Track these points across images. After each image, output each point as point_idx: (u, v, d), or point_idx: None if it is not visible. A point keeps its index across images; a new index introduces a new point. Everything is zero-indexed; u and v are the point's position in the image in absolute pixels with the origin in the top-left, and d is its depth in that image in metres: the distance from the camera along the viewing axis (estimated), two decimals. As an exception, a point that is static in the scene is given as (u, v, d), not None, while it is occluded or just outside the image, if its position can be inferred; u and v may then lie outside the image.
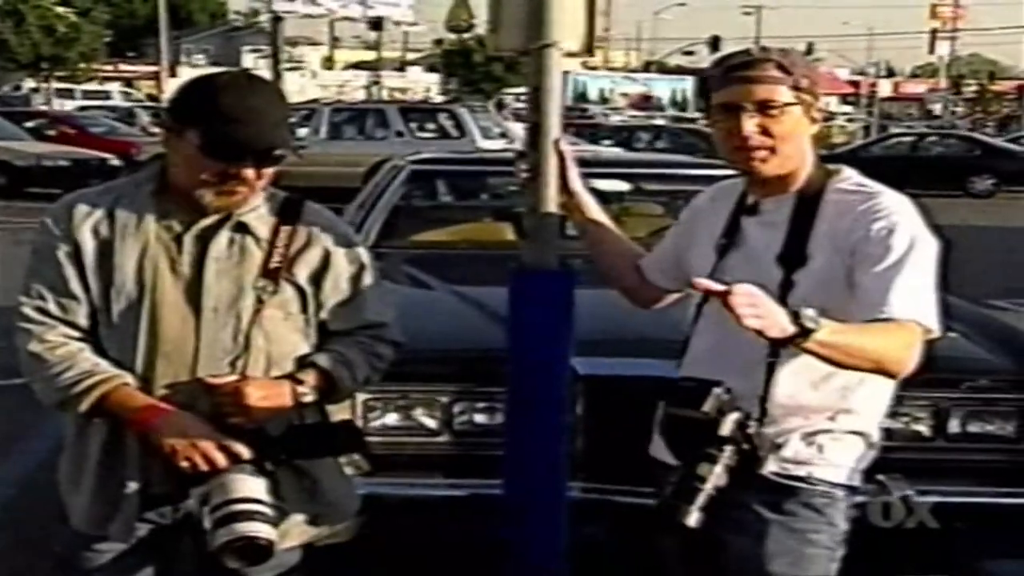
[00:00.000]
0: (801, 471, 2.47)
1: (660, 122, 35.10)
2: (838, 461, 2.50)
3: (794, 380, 2.41)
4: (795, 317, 2.13)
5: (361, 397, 3.41)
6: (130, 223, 2.43)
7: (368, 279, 2.56)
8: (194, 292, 2.42)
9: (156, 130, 24.92)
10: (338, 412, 2.59)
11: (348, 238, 2.60)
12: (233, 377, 2.40)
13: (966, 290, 4.17)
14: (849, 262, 2.38)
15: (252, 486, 2.35)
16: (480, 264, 4.85)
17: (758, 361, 2.37)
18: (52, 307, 2.41)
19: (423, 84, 62.68)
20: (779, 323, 2.12)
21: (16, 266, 2.65)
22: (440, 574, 3.55)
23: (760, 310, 2.09)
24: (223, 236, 2.44)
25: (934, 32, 50.93)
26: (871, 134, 39.67)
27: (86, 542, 2.51)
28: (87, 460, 2.47)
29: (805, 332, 2.14)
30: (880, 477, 3.26)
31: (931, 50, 52.15)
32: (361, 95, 44.43)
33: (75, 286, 2.42)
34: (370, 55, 53.16)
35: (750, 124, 2.44)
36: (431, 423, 3.69)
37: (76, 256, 2.42)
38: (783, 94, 2.44)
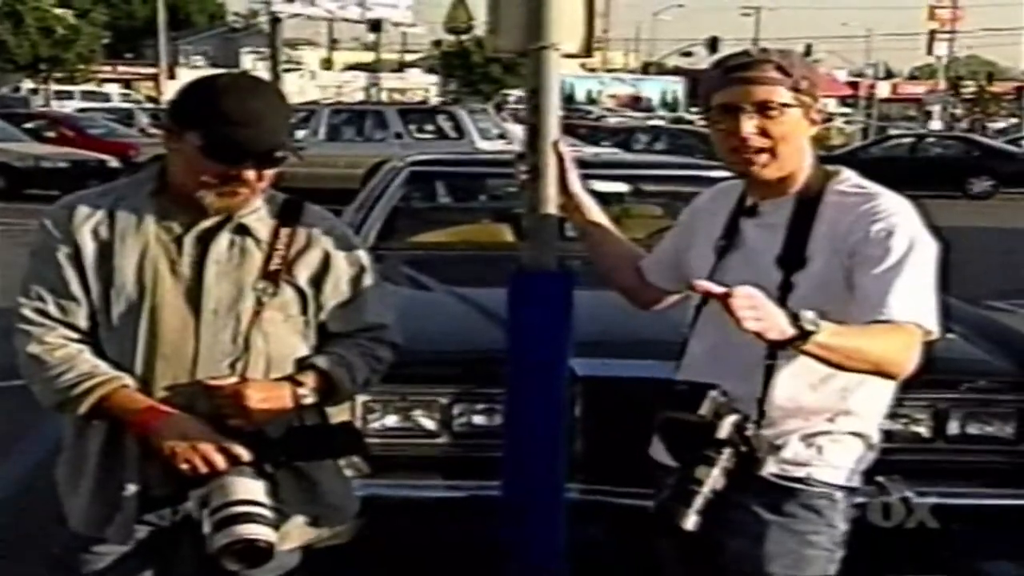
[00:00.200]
0: (800, 472, 2.47)
1: (658, 123, 35.11)
2: (837, 462, 2.49)
3: (793, 382, 2.41)
4: (795, 319, 2.13)
5: (360, 399, 3.41)
6: (130, 225, 2.43)
7: (368, 281, 2.56)
8: (194, 294, 2.42)
9: (155, 131, 24.95)
10: (337, 414, 2.58)
11: (348, 240, 2.60)
12: (233, 379, 2.40)
13: (965, 291, 4.17)
14: (848, 263, 2.38)
15: (252, 488, 2.34)
16: (479, 265, 4.85)
17: (756, 363, 2.37)
18: (52, 309, 2.41)
19: (422, 85, 62.54)
20: (779, 325, 2.11)
21: (15, 267, 2.65)
22: (439, 575, 3.55)
23: (760, 312, 2.09)
24: (223, 238, 2.44)
25: (932, 33, 50.87)
26: (869, 135, 39.67)
27: (84, 544, 2.50)
28: (86, 462, 2.47)
29: (805, 334, 2.13)
30: (879, 478, 3.26)
31: (929, 51, 52.06)
32: (360, 96, 44.39)
33: (75, 288, 2.41)
34: (369, 56, 53.06)
35: (749, 125, 2.43)
36: (430, 424, 3.69)
37: (76, 258, 2.42)
38: (782, 95, 2.43)
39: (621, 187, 5.86)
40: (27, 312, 2.42)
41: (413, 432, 3.68)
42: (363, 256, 2.59)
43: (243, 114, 2.34)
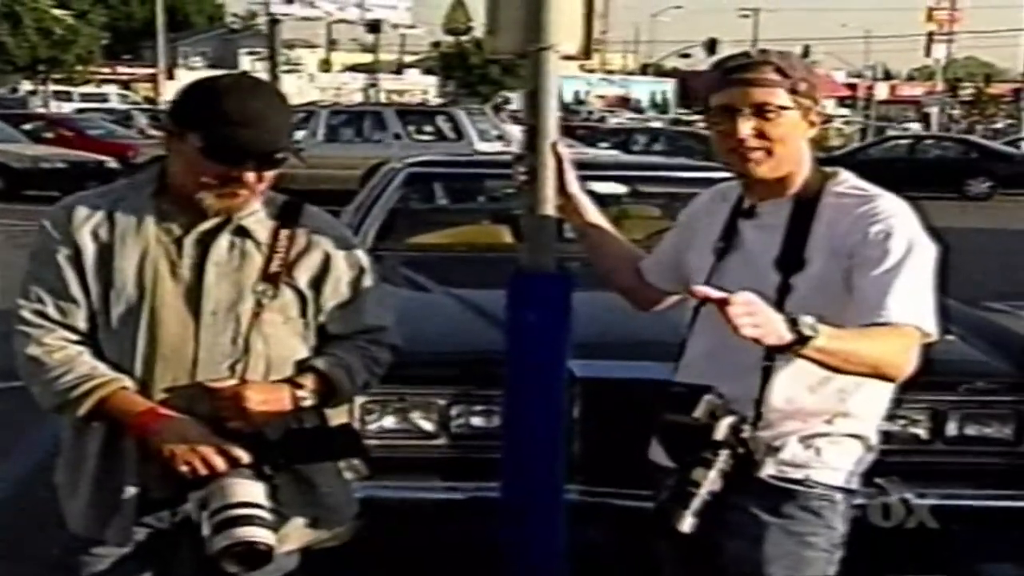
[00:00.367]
0: (799, 474, 2.47)
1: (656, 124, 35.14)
2: (836, 464, 2.49)
3: (791, 384, 2.40)
4: (793, 324, 2.12)
5: (359, 400, 3.41)
6: (130, 226, 2.42)
7: (368, 282, 2.56)
8: (194, 296, 2.41)
9: (153, 132, 24.92)
10: (336, 416, 2.58)
11: (348, 241, 2.60)
12: (232, 381, 2.40)
13: (963, 293, 4.17)
14: (847, 265, 2.38)
15: (251, 490, 2.34)
16: (477, 267, 4.85)
17: (754, 365, 2.37)
18: (51, 310, 2.41)
19: (421, 87, 62.57)
20: (777, 331, 2.11)
21: (14, 269, 2.65)
22: (438, 577, 3.55)
23: (758, 318, 2.09)
24: (223, 240, 2.43)
25: (930, 35, 50.85)
26: (867, 137, 39.66)
27: (83, 546, 2.50)
28: (85, 464, 2.47)
29: (803, 339, 2.13)
30: (878, 480, 3.26)
31: (927, 53, 52.04)
32: (358, 97, 44.40)
33: (74, 289, 2.41)
34: (367, 57, 53.05)
35: (746, 127, 2.43)
36: (428, 426, 3.68)
37: (76, 259, 2.41)
38: (780, 97, 2.43)
39: (619, 188, 5.85)
40: (26, 314, 2.41)
41: (411, 433, 3.68)
42: (363, 258, 2.59)
43: (244, 115, 2.33)
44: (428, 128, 21.11)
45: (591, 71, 55.76)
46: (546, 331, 3.13)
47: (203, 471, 2.35)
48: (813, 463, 2.47)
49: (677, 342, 2.64)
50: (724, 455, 2.32)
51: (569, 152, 3.07)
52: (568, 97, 53.95)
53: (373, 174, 6.90)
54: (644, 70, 75.54)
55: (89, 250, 2.42)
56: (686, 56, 66.46)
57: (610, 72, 66.67)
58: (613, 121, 38.34)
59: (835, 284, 2.38)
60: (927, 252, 2.40)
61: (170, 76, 51.26)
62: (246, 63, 54.92)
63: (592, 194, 3.09)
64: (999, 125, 49.85)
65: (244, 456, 2.36)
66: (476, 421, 3.69)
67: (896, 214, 2.41)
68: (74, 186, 3.04)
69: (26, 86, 46.21)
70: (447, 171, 6.76)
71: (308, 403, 2.46)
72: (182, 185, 2.42)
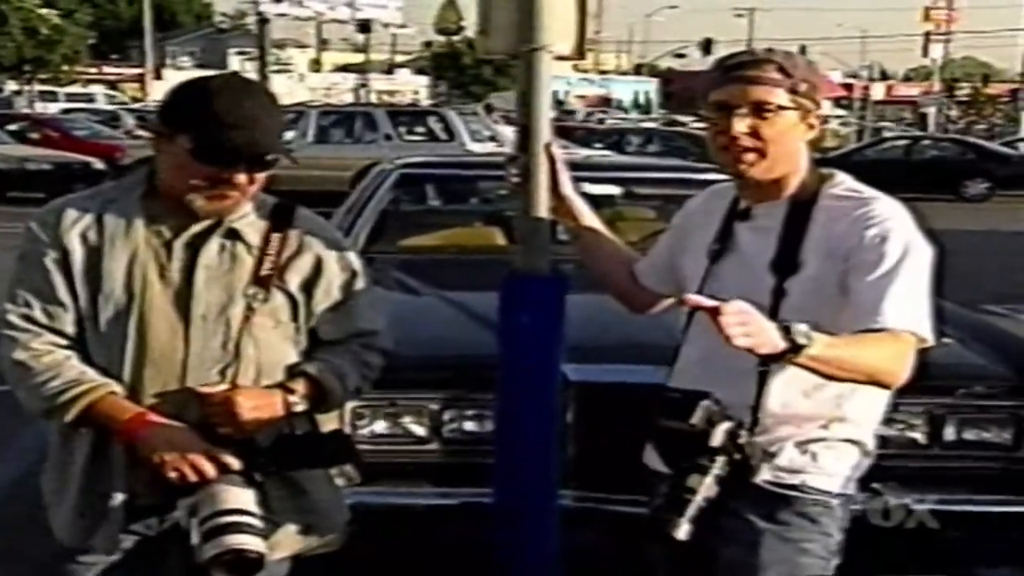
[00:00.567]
0: (795, 479, 2.45)
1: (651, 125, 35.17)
2: (832, 470, 2.48)
3: (787, 389, 2.38)
4: (786, 332, 2.10)
5: (349, 405, 3.37)
6: (119, 229, 2.40)
7: (360, 286, 2.54)
8: (183, 299, 2.39)
9: (141, 133, 24.86)
10: (327, 421, 2.56)
11: (340, 244, 2.58)
12: (223, 386, 2.38)
13: (961, 295, 4.17)
14: (842, 268, 2.36)
15: (241, 497, 2.32)
16: (470, 269, 4.84)
17: (750, 370, 2.34)
18: (38, 314, 2.38)
19: (412, 87, 62.60)
20: (770, 340, 2.09)
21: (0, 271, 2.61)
22: (431, 583, 3.53)
23: (750, 328, 2.07)
24: (214, 243, 2.41)
25: (927, 35, 50.90)
26: (864, 138, 39.71)
27: (70, 554, 2.48)
28: (72, 470, 2.44)
29: (796, 348, 2.11)
30: (875, 485, 3.24)
31: (924, 53, 52.08)
32: (349, 98, 44.39)
33: (62, 293, 2.39)
34: (358, 57, 53.02)
35: (741, 125, 2.42)
36: (420, 431, 3.66)
37: (64, 263, 2.39)
38: (779, 97, 2.41)
39: (614, 190, 5.83)
40: (13, 318, 2.39)
41: (403, 439, 3.66)
42: (355, 261, 2.57)
43: (235, 116, 2.31)
44: (419, 129, 21.09)
45: (585, 71, 55.86)
46: (539, 334, 3.11)
47: (192, 477, 2.32)
48: (809, 468, 2.46)
49: (672, 345, 2.63)
50: (720, 461, 2.30)
51: (562, 153, 3.05)
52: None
53: (364, 175, 6.88)
54: (638, 70, 75.66)
55: (77, 253, 2.39)
56: (681, 56, 66.53)
57: (603, 72, 66.74)
58: (609, 122, 38.35)
59: (830, 287, 2.37)
60: (923, 256, 2.38)
61: (158, 76, 51.28)
62: (235, 63, 54.83)
63: (586, 195, 3.07)
64: (982, 126, 49.93)
65: (234, 462, 2.34)
66: (468, 426, 3.67)
67: (892, 217, 2.40)
68: (60, 187, 3.01)
69: (11, 86, 46.03)
70: (439, 172, 6.73)
71: (299, 408, 2.43)
72: (171, 187, 2.40)
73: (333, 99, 41.53)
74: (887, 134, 37.61)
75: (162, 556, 2.47)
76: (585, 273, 2.96)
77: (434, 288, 4.46)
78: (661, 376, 2.61)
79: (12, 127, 23.85)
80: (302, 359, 2.48)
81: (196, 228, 2.41)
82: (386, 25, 45.04)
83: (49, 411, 2.38)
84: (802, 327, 2.12)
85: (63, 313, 2.39)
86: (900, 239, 2.35)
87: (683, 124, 33.68)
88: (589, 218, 2.96)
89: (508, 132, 16.83)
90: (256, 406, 2.36)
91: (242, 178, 2.35)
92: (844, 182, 2.51)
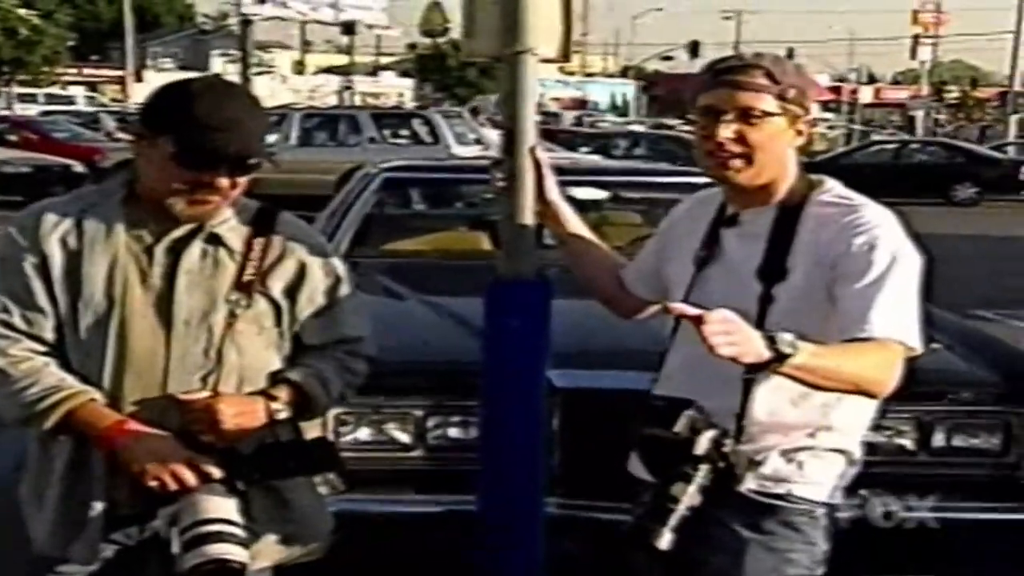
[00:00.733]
0: (780, 489, 2.44)
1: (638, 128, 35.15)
2: (818, 479, 2.46)
3: (773, 397, 2.37)
4: (771, 342, 2.08)
5: (333, 412, 3.36)
6: (99, 234, 2.37)
7: (344, 292, 2.52)
8: (165, 305, 2.37)
9: (121, 136, 24.73)
10: (310, 429, 2.53)
11: (324, 249, 2.56)
12: (205, 393, 2.35)
13: (949, 301, 4.16)
14: (830, 276, 2.35)
15: (223, 506, 2.29)
16: (454, 274, 4.82)
17: (734, 378, 2.32)
18: (17, 320, 2.35)
19: (396, 89, 62.51)
20: (755, 349, 2.07)
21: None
22: (415, 591, 3.51)
23: (734, 337, 2.05)
24: (195, 248, 2.39)
25: (916, 38, 50.96)
26: (852, 141, 39.79)
27: (48, 564, 2.45)
28: (51, 478, 2.41)
29: (781, 357, 2.09)
30: (863, 492, 3.23)
31: (913, 56, 52.18)
32: (333, 100, 44.30)
33: (41, 299, 2.36)
34: (342, 59, 52.93)
35: (727, 130, 2.40)
36: (404, 438, 3.65)
37: (43, 268, 2.36)
38: (766, 102, 2.40)
39: (600, 194, 5.81)
40: (-9, 324, 2.35)
41: (387, 446, 3.64)
42: (339, 266, 2.55)
43: (218, 119, 2.29)
44: (404, 131, 21.04)
45: (571, 73, 55.87)
46: (525, 339, 3.09)
47: (173, 486, 2.30)
48: (795, 477, 2.44)
49: (658, 351, 2.61)
50: (704, 470, 2.28)
51: (548, 157, 3.03)
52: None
53: (348, 179, 6.86)
54: (624, 72, 75.73)
55: (57, 258, 2.36)
56: (668, 59, 66.59)
57: (589, 75, 66.78)
58: (602, 125, 38.36)
59: (818, 294, 2.35)
60: (911, 264, 2.37)
61: (139, 78, 51.08)
62: (217, 65, 54.74)
63: (572, 200, 3.05)
64: (973, 129, 50.14)
65: (216, 471, 2.31)
66: (453, 432, 3.65)
67: (880, 225, 2.38)
68: (39, 191, 2.98)
69: (-10, 88, 45.89)
70: (423, 176, 6.71)
71: (283, 416, 2.41)
72: (153, 191, 2.37)
73: (317, 101, 41.50)
74: (875, 138, 37.68)
75: (142, 566, 2.44)
76: (571, 278, 2.94)
77: (418, 293, 4.44)
78: (648, 382, 2.59)
79: (-10, 130, 23.75)
80: (285, 366, 2.46)
81: (177, 233, 2.38)
82: (370, 26, 44.88)
83: (27, 419, 2.35)
84: (787, 336, 2.10)
85: (42, 319, 2.36)
86: (888, 247, 2.34)
87: (671, 127, 33.71)
88: (575, 223, 2.94)
89: (494, 135, 16.80)
90: (238, 413, 2.34)
91: (224, 182, 2.32)
92: (833, 189, 2.49)
